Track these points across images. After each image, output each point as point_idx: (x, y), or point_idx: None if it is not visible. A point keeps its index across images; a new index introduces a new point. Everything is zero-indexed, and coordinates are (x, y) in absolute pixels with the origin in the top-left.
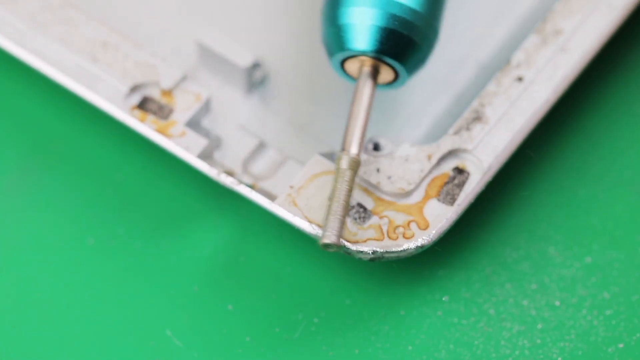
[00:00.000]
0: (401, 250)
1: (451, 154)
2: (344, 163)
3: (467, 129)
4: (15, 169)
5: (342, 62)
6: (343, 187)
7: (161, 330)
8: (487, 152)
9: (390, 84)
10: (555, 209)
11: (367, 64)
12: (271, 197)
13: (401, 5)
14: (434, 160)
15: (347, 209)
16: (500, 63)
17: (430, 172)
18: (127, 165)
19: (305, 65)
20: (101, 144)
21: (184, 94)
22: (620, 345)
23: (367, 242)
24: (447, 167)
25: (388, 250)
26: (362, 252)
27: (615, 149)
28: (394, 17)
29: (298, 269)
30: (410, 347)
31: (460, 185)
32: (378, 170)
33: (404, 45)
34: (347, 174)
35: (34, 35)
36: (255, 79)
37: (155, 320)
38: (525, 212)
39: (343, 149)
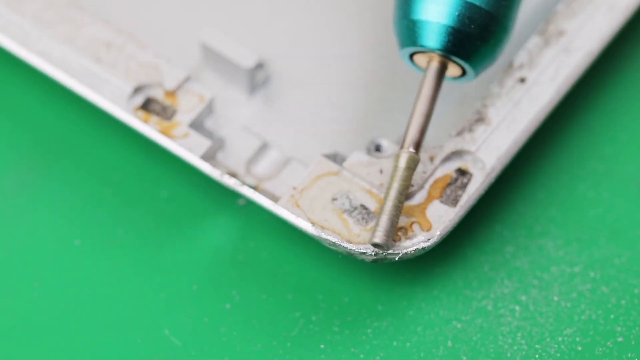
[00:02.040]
0: (403, 253)
1: (454, 155)
2: (402, 161)
3: (470, 130)
4: (16, 168)
5: (411, 54)
6: (398, 185)
7: (159, 330)
8: (489, 153)
9: (458, 77)
10: (554, 204)
11: (435, 59)
12: (274, 198)
13: (475, 6)
14: (437, 161)
15: (401, 208)
16: (502, 64)
17: (432, 173)
18: (126, 165)
19: (309, 66)
20: (101, 143)
21: (188, 95)
22: (620, 339)
23: (369, 243)
24: (450, 169)
25: (390, 252)
26: (364, 253)
27: (615, 145)
28: (467, 19)
29: (296, 268)
30: (408, 344)
31: (463, 187)
32: (381, 171)
33: (473, 46)
34: (404, 173)
35: (38, 35)
36: (258, 79)
37: (153, 320)
38: (524, 207)
39: (402, 147)
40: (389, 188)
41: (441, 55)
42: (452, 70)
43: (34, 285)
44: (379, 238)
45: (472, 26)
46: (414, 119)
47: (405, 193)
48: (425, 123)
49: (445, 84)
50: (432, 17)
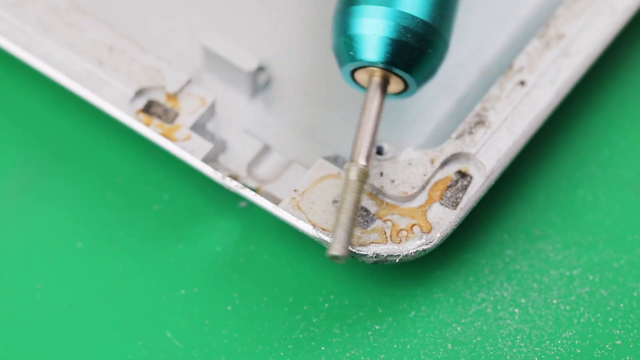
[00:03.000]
0: (404, 254)
1: (454, 157)
2: (353, 174)
3: (470, 132)
4: (19, 170)
5: (352, 72)
6: (351, 198)
7: (161, 332)
8: (489, 155)
9: (399, 93)
10: (554, 208)
11: (377, 74)
12: (275, 200)
13: (412, 17)
14: (437, 164)
15: (355, 220)
16: (502, 67)
17: (433, 175)
18: (128, 168)
19: (310, 69)
20: (104, 145)
21: (189, 98)
22: (618, 342)
23: (370, 245)
24: (450, 171)
25: (391, 253)
26: (365, 255)
27: (613, 149)
28: (405, 29)
29: (297, 270)
30: (408, 346)
31: (463, 189)
32: (382, 174)
33: (414, 57)
34: (356, 185)
35: (41, 38)
36: (259, 82)
37: (154, 322)
38: (523, 211)
39: (352, 160)
40: (342, 201)
41: (382, 69)
42: (394, 85)
43: (37, 287)
44: (336, 250)
45: (409, 35)
46: (361, 134)
47: (359, 205)
48: (373, 137)
49: (445, 83)
50: (368, 30)
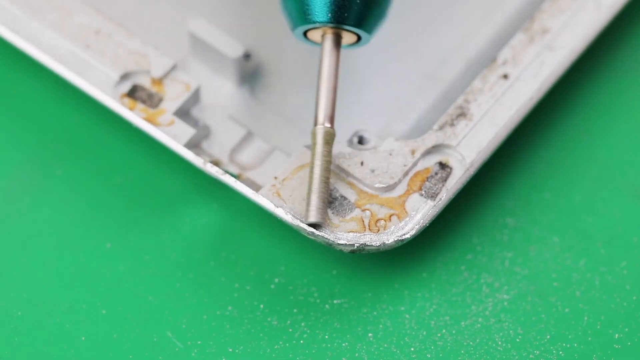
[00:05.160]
0: (381, 244)
1: (435, 149)
2: (320, 137)
3: (452, 124)
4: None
5: (305, 32)
6: (320, 162)
7: (162, 332)
8: (470, 148)
9: (355, 43)
10: (552, 211)
11: (329, 32)
12: (256, 187)
13: None
14: (418, 155)
15: (328, 184)
16: (488, 60)
17: (413, 166)
18: (115, 153)
19: (295, 57)
20: (89, 130)
21: (174, 83)
22: (617, 346)
23: (347, 234)
24: (430, 162)
25: (368, 243)
26: (342, 244)
27: (610, 151)
28: None
29: (296, 267)
30: (406, 346)
31: (443, 180)
32: (362, 163)
33: (362, 11)
34: (323, 149)
35: (28, 21)
36: (245, 69)
37: (155, 322)
38: (522, 214)
39: (316, 123)
40: (312, 167)
41: (333, 27)
42: (348, 38)
43: (37, 287)
44: (313, 217)
45: None
46: (323, 94)
47: (329, 169)
48: (334, 96)
49: (429, 75)
50: None
